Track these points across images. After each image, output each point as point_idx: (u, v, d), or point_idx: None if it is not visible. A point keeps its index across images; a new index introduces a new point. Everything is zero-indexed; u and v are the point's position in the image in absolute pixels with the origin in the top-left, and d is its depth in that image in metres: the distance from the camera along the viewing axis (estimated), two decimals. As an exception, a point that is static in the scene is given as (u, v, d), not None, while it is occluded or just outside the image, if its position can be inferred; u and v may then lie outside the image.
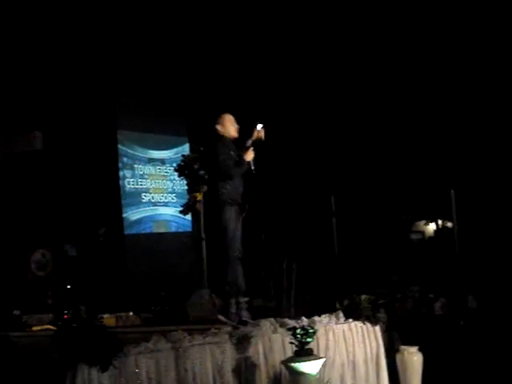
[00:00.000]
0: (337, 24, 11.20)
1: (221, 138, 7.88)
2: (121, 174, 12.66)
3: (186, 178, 9.96)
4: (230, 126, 7.90)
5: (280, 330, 7.01)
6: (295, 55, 11.47)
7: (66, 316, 8.40)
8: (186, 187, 10.14)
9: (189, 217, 11.39)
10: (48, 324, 8.41)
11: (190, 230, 11.97)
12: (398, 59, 11.57)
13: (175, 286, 10.95)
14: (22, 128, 11.45)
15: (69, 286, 9.69)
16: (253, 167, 7.79)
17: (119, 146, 12.57)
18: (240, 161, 7.73)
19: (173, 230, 13.48)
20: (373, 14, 11.12)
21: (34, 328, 8.48)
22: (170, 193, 13.63)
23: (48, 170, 11.56)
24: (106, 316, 7.97)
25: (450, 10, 11.06)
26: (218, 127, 7.88)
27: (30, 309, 9.12)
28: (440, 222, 13.37)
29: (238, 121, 7.73)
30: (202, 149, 10.16)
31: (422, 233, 14.07)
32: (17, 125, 11.41)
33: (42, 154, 11.46)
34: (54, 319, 8.53)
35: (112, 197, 12.29)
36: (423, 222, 13.88)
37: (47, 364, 5.65)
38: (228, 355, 6.52)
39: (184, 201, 10.43)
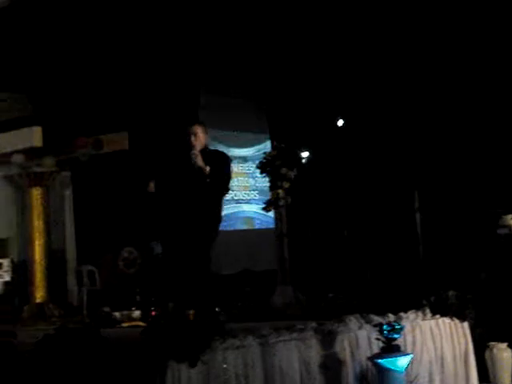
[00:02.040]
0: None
1: None
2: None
3: (268, 174, 10.02)
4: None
5: (366, 326, 6.98)
6: (383, 50, 11.35)
7: (153, 312, 8.61)
8: (268, 184, 10.20)
9: (272, 213, 11.46)
10: (137, 320, 8.60)
11: (272, 226, 12.02)
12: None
13: (259, 282, 11.03)
14: (109, 129, 11.70)
15: (156, 284, 9.87)
16: None
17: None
18: None
19: (256, 226, 13.56)
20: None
21: (124, 324, 8.67)
22: (252, 190, 13.71)
23: (134, 170, 11.79)
24: (191, 312, 8.07)
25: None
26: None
27: (119, 305, 9.32)
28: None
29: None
30: (283, 146, 10.20)
31: (510, 227, 13.72)
32: (104, 126, 11.67)
33: (128, 153, 11.68)
34: (143, 316, 8.73)
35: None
36: (510, 216, 13.54)
37: (137, 360, 5.75)
38: (314, 351, 6.53)
39: (267, 198, 10.49)
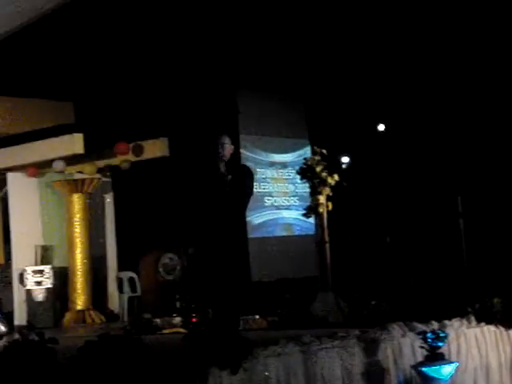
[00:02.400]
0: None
1: None
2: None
3: (309, 180, 9.95)
4: None
5: (409, 333, 6.88)
6: (430, 54, 11.23)
7: (194, 319, 8.59)
8: (308, 190, 10.13)
9: (312, 220, 11.38)
10: (178, 327, 8.60)
11: (312, 232, 11.94)
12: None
13: (299, 289, 10.95)
14: (150, 135, 11.76)
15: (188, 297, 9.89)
16: None
17: (242, 150, 12.68)
18: None
19: (296, 233, 13.49)
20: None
21: (164, 331, 8.67)
22: (292, 196, 13.65)
23: (174, 176, 11.82)
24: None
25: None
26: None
27: (159, 312, 9.33)
28: None
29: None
30: (324, 151, 10.12)
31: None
32: (145, 132, 11.73)
33: (168, 160, 11.72)
34: (183, 322, 8.72)
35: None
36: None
37: (178, 367, 5.73)
38: (357, 359, 6.45)
39: (307, 204, 10.42)
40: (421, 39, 11.04)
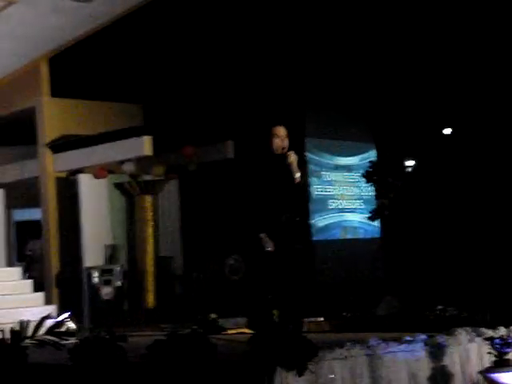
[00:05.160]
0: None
1: None
2: (308, 180, 12.81)
3: (374, 183, 9.93)
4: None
5: (477, 339, 6.81)
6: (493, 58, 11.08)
7: (259, 320, 8.63)
8: (373, 193, 10.11)
9: (377, 223, 11.33)
10: (243, 327, 8.66)
11: (377, 236, 11.89)
12: None
13: (364, 292, 10.92)
14: (215, 138, 11.88)
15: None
16: None
17: (306, 153, 12.71)
18: None
19: (361, 236, 13.44)
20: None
21: (230, 331, 8.75)
22: (357, 199, 13.61)
23: (239, 178, 11.91)
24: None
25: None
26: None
27: (225, 312, 9.42)
28: None
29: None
30: (389, 155, 10.09)
31: None
32: (210, 135, 11.85)
33: (233, 162, 11.83)
34: (249, 323, 8.78)
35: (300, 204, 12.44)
36: None
37: (245, 367, 5.80)
38: (423, 364, 6.42)
39: (372, 207, 10.39)
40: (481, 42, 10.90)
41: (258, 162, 7.90)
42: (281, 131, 7.64)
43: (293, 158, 7.62)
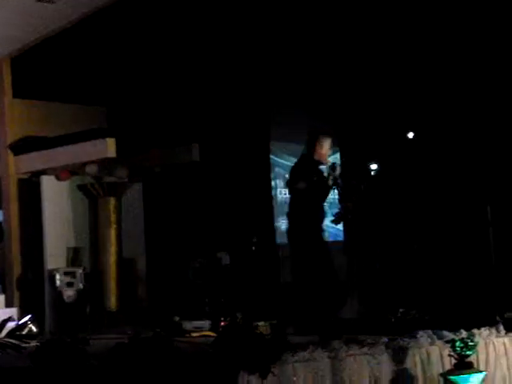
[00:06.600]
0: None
1: None
2: (273, 183, 12.84)
3: (338, 187, 9.97)
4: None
5: (438, 342, 6.88)
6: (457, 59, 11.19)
7: (223, 323, 8.65)
8: (337, 197, 10.15)
9: (341, 226, 11.38)
10: (207, 330, 8.66)
11: (341, 239, 11.95)
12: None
13: (327, 295, 10.95)
14: (181, 140, 11.86)
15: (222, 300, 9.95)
16: None
17: (272, 156, 12.76)
18: None
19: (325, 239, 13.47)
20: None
21: (193, 334, 8.74)
22: (321, 202, 13.63)
23: (204, 181, 11.91)
24: (260, 324, 8.09)
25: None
26: None
27: (188, 315, 9.40)
28: None
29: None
30: (352, 158, 10.15)
31: None
32: (175, 137, 11.83)
33: (198, 165, 11.82)
34: (212, 326, 8.79)
35: (264, 206, 12.48)
36: None
37: (207, 370, 5.80)
38: (385, 366, 6.47)
39: (336, 210, 10.43)
40: (457, 48, 11.02)
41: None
42: (328, 143, 8.00)
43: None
